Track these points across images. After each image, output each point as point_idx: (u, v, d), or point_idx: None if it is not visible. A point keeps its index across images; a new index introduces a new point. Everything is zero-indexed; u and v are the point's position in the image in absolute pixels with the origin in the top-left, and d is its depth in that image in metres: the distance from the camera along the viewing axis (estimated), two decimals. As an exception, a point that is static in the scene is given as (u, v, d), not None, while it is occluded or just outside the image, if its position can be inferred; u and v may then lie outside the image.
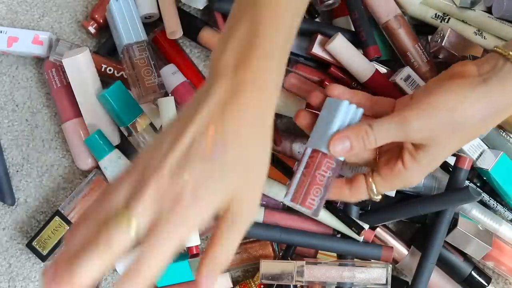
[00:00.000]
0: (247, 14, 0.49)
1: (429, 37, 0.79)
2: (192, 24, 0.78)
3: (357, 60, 0.75)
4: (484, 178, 0.78)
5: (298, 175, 0.59)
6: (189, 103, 0.48)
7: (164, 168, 0.44)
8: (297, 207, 0.59)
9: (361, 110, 0.60)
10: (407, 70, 0.75)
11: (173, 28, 0.76)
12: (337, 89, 0.62)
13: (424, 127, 0.56)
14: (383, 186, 0.61)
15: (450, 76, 0.58)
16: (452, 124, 0.56)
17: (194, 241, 0.76)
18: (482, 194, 0.78)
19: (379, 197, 0.62)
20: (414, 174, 0.60)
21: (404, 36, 0.76)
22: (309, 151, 0.59)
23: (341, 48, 0.74)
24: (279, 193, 0.76)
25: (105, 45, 0.81)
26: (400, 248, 0.79)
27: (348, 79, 0.77)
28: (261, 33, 0.48)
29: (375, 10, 0.76)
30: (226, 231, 0.47)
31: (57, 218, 0.78)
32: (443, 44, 0.75)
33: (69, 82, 0.77)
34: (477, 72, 0.57)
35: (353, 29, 0.78)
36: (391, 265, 0.75)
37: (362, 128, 0.57)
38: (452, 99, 0.56)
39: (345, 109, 0.59)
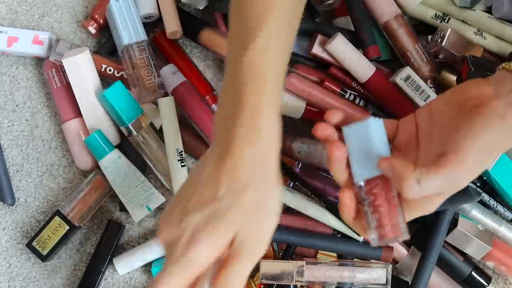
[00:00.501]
0: (231, 84, 0.55)
1: (429, 37, 0.79)
2: (192, 24, 0.78)
3: (357, 60, 0.75)
4: (484, 178, 0.78)
5: (369, 213, 0.54)
6: (197, 163, 0.60)
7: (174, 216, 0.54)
8: (390, 241, 0.55)
9: (381, 121, 0.55)
10: (407, 70, 0.75)
11: (173, 28, 0.76)
12: (336, 116, 0.57)
13: (471, 173, 0.53)
14: (406, 217, 0.56)
15: (471, 106, 0.54)
16: (489, 160, 0.55)
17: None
18: (482, 194, 0.78)
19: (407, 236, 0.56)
20: (434, 206, 0.57)
21: (404, 36, 0.76)
22: (362, 183, 0.55)
23: (341, 48, 0.74)
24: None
25: (105, 45, 0.81)
26: (400, 248, 0.79)
27: (348, 79, 0.77)
28: (243, 98, 0.53)
29: (375, 10, 0.76)
30: (230, 264, 0.52)
31: (57, 218, 0.78)
32: (443, 44, 0.75)
33: (69, 82, 0.77)
34: (494, 94, 0.54)
35: (353, 29, 0.78)
36: (391, 265, 0.75)
37: (412, 179, 0.51)
38: (488, 140, 0.53)
39: (374, 127, 0.55)
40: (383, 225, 0.54)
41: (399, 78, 0.74)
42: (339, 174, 0.56)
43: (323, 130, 0.56)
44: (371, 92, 0.77)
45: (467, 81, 0.57)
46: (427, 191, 0.52)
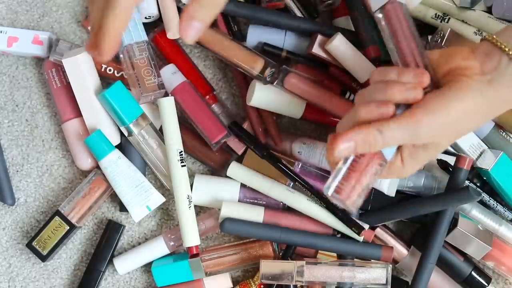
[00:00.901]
0: None
1: (429, 37, 0.79)
2: (192, 24, 0.78)
3: (357, 60, 0.74)
4: (484, 178, 0.78)
5: (344, 169, 0.57)
6: None
7: None
8: (337, 200, 0.58)
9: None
10: None
11: (173, 28, 0.76)
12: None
13: (434, 132, 0.56)
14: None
15: (455, 74, 0.58)
16: (457, 128, 0.58)
17: (194, 241, 0.76)
18: (482, 194, 0.78)
19: None
20: (409, 169, 0.61)
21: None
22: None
23: (341, 48, 0.74)
24: (279, 193, 0.76)
25: (105, 45, 0.81)
26: (400, 248, 0.79)
27: (348, 79, 0.77)
28: None
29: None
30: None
31: (57, 218, 0.78)
32: (442, 45, 0.75)
33: (69, 82, 0.77)
34: (480, 69, 0.57)
35: (353, 29, 0.78)
36: (391, 265, 0.75)
37: (371, 133, 0.56)
38: (461, 105, 0.56)
39: None
40: (345, 186, 0.57)
41: None
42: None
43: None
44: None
45: (457, 48, 0.60)
46: (389, 141, 0.56)
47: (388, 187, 0.75)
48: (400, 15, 0.61)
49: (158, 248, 0.79)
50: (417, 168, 0.61)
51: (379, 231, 0.79)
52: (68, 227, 0.78)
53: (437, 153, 0.61)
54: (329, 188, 0.57)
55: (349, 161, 0.58)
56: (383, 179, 0.75)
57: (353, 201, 0.57)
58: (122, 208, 0.79)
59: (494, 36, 0.58)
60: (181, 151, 0.76)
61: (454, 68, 0.58)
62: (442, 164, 0.77)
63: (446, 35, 0.75)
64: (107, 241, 0.79)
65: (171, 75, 0.78)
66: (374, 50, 0.76)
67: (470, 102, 0.56)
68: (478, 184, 0.78)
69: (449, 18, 0.78)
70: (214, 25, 0.80)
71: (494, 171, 0.75)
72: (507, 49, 0.57)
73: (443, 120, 0.56)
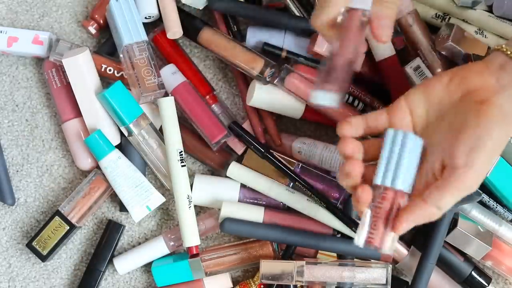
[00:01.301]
0: None
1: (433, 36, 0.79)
2: (192, 24, 0.78)
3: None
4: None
5: (368, 218, 0.57)
6: None
7: None
8: (372, 247, 0.57)
9: (420, 141, 0.57)
10: (417, 61, 0.75)
11: (173, 28, 0.76)
12: (351, 145, 0.58)
13: (481, 177, 0.55)
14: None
15: (475, 102, 0.54)
16: (494, 155, 0.56)
17: (194, 241, 0.76)
18: (482, 195, 0.78)
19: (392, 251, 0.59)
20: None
21: (418, 32, 0.76)
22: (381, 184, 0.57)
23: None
24: (279, 193, 0.76)
25: (105, 45, 0.81)
26: (400, 248, 0.79)
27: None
28: None
29: None
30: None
31: (57, 218, 0.78)
32: (450, 41, 0.74)
33: (69, 82, 0.77)
34: (497, 86, 0.54)
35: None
36: (391, 265, 0.75)
37: (429, 211, 0.54)
38: (494, 142, 0.54)
39: (412, 143, 0.57)
40: (374, 234, 0.56)
41: (409, 67, 0.75)
42: (352, 182, 0.57)
43: (349, 146, 0.58)
44: (382, 72, 0.77)
45: (468, 66, 0.57)
46: (447, 208, 0.54)
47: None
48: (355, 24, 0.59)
49: (158, 248, 0.79)
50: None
51: (379, 231, 0.79)
52: (68, 227, 0.78)
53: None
54: (359, 239, 0.57)
55: (369, 212, 0.57)
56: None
57: (389, 246, 0.57)
58: (122, 208, 0.79)
59: (504, 46, 0.56)
60: (181, 151, 0.76)
61: (470, 92, 0.55)
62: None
63: (453, 30, 0.74)
64: (107, 241, 0.79)
65: (171, 75, 0.78)
66: (399, 40, 0.76)
67: (497, 132, 0.53)
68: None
69: (449, 18, 0.78)
70: (214, 25, 0.80)
71: (492, 177, 0.75)
72: None
73: (484, 162, 0.54)
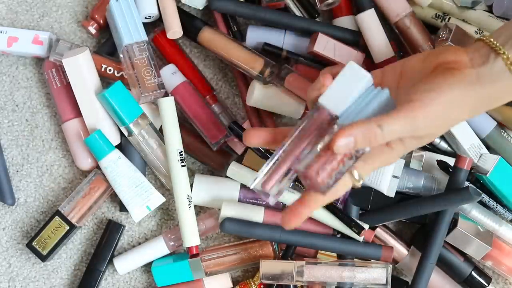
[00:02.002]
0: None
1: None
2: (192, 24, 0.78)
3: (380, 38, 0.75)
4: (481, 181, 0.78)
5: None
6: None
7: None
8: (304, 177, 0.56)
9: (386, 92, 0.57)
10: None
11: (173, 28, 0.76)
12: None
13: (430, 123, 0.57)
14: (366, 169, 0.60)
15: (445, 68, 0.58)
16: (448, 121, 0.58)
17: (194, 241, 0.76)
18: (482, 195, 0.78)
19: (361, 182, 0.59)
20: (395, 156, 0.60)
21: (416, 34, 0.76)
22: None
23: (369, 21, 0.74)
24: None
25: (105, 45, 0.81)
26: (400, 248, 0.79)
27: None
28: None
29: (386, 9, 0.76)
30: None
31: (57, 218, 0.78)
32: (449, 41, 0.74)
33: (69, 82, 0.77)
34: (469, 64, 0.57)
35: (354, 29, 0.78)
36: (391, 265, 0.75)
37: (372, 129, 0.55)
38: (452, 99, 0.56)
39: (365, 85, 0.56)
40: (314, 165, 0.55)
41: None
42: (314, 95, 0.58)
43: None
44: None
45: (445, 46, 0.60)
46: (389, 136, 0.55)
47: (388, 187, 0.75)
48: None
49: (158, 248, 0.79)
50: (404, 154, 0.61)
51: (379, 231, 0.79)
52: (68, 227, 0.78)
53: (428, 142, 0.61)
54: (299, 169, 0.56)
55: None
56: (382, 180, 0.75)
57: (323, 180, 0.55)
58: (122, 208, 0.79)
59: (487, 35, 0.58)
60: (181, 151, 0.76)
61: (443, 62, 0.58)
62: (442, 164, 0.77)
63: (453, 31, 0.74)
64: (107, 241, 0.79)
65: (171, 75, 0.78)
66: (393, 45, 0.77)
67: (458, 92, 0.56)
68: (477, 185, 0.78)
69: (449, 18, 0.78)
70: (214, 25, 0.80)
71: (492, 177, 0.75)
72: (495, 43, 0.57)
73: (438, 112, 0.56)
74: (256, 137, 0.62)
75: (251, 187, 0.57)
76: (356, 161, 0.57)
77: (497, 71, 0.57)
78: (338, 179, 0.56)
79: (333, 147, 0.55)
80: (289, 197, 0.76)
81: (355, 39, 0.77)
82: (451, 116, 0.58)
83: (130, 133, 0.76)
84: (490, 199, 0.78)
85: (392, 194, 0.75)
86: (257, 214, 0.76)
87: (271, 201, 0.58)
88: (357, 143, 0.55)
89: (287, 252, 0.77)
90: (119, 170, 0.76)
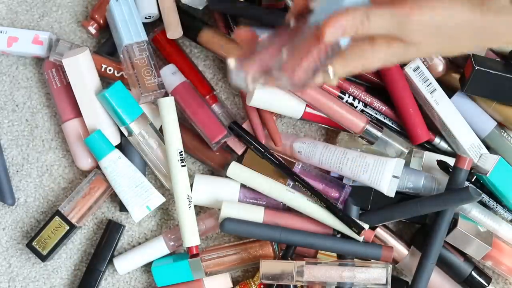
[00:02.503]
0: None
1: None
2: (192, 24, 0.78)
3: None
4: (481, 181, 0.78)
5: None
6: None
7: None
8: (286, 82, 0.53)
9: None
10: (417, 62, 0.76)
11: (173, 28, 0.76)
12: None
13: (421, 30, 0.54)
14: (342, 66, 0.56)
15: None
16: (444, 37, 0.55)
17: (194, 241, 0.76)
18: (482, 195, 0.78)
19: (336, 81, 0.56)
20: (377, 59, 0.56)
21: None
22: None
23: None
24: (279, 193, 0.76)
25: (105, 45, 0.81)
26: (400, 248, 0.79)
27: (346, 82, 0.77)
28: None
29: None
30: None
31: (57, 218, 0.78)
32: None
33: (69, 82, 0.77)
34: None
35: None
36: (391, 265, 0.75)
37: (358, 17, 0.52)
38: (453, 14, 0.53)
39: None
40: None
41: (408, 68, 0.76)
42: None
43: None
44: (382, 72, 0.77)
45: None
46: (375, 28, 0.52)
47: (388, 187, 0.75)
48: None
49: (158, 248, 0.79)
50: (387, 61, 0.57)
51: (379, 231, 0.79)
52: (68, 227, 0.78)
53: (414, 57, 0.57)
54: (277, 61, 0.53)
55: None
56: (382, 180, 0.75)
57: (298, 76, 0.53)
58: (122, 208, 0.79)
59: None
60: (181, 151, 0.76)
61: None
62: (442, 164, 0.77)
63: None
64: (107, 241, 0.79)
65: (171, 75, 0.78)
66: None
67: (460, 8, 0.53)
68: (477, 184, 0.78)
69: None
70: (214, 25, 0.80)
71: (492, 177, 0.75)
72: None
73: (432, 21, 0.53)
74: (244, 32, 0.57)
75: (230, 62, 0.53)
76: (333, 58, 0.54)
77: (503, 4, 0.54)
78: (315, 75, 0.53)
79: (322, 34, 0.52)
80: (289, 197, 0.76)
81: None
82: (449, 32, 0.54)
83: (130, 133, 0.76)
84: (490, 199, 0.78)
85: (392, 194, 0.75)
86: (257, 214, 0.76)
87: (237, 80, 0.54)
88: (345, 30, 0.52)
89: (287, 252, 0.77)
90: (119, 170, 0.76)
